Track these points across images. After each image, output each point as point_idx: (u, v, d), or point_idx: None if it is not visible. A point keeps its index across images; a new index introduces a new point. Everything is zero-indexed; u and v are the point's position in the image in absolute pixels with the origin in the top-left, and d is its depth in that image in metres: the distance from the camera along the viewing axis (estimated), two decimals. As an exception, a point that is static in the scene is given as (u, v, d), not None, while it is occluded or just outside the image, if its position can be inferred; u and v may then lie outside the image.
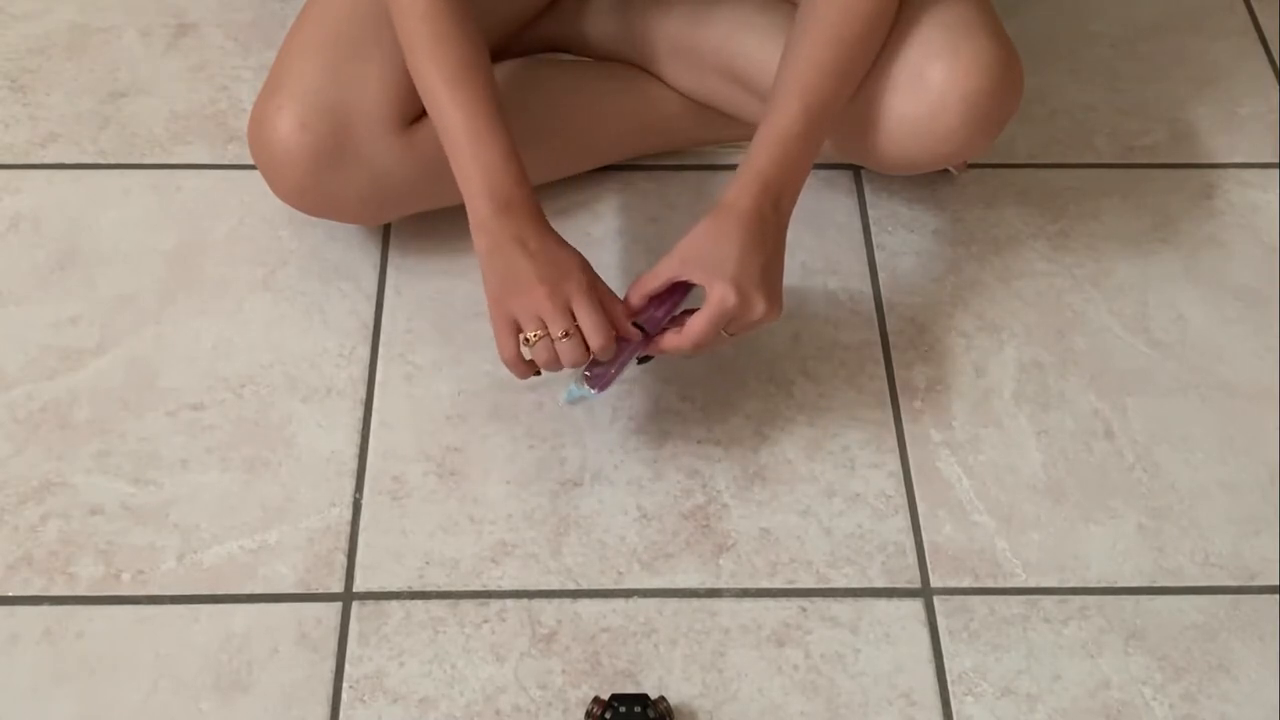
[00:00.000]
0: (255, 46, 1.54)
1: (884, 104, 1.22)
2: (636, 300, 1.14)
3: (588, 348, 1.11)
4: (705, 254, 1.12)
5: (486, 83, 1.15)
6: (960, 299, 1.36)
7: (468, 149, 1.14)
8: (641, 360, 1.17)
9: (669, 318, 1.15)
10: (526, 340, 1.11)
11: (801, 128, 1.14)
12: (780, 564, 1.18)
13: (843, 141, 1.28)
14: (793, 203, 1.16)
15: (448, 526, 1.19)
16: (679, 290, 1.15)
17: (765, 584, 1.16)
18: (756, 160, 1.14)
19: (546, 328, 1.10)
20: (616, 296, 1.14)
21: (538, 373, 1.14)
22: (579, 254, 1.13)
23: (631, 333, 1.13)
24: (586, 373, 1.13)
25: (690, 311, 1.15)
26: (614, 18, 1.40)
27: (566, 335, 1.09)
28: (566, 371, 1.14)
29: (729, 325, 1.12)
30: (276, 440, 1.24)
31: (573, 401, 1.16)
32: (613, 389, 1.16)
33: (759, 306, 1.12)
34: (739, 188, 1.14)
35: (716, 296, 1.11)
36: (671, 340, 1.14)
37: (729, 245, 1.11)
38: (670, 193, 1.43)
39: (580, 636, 1.13)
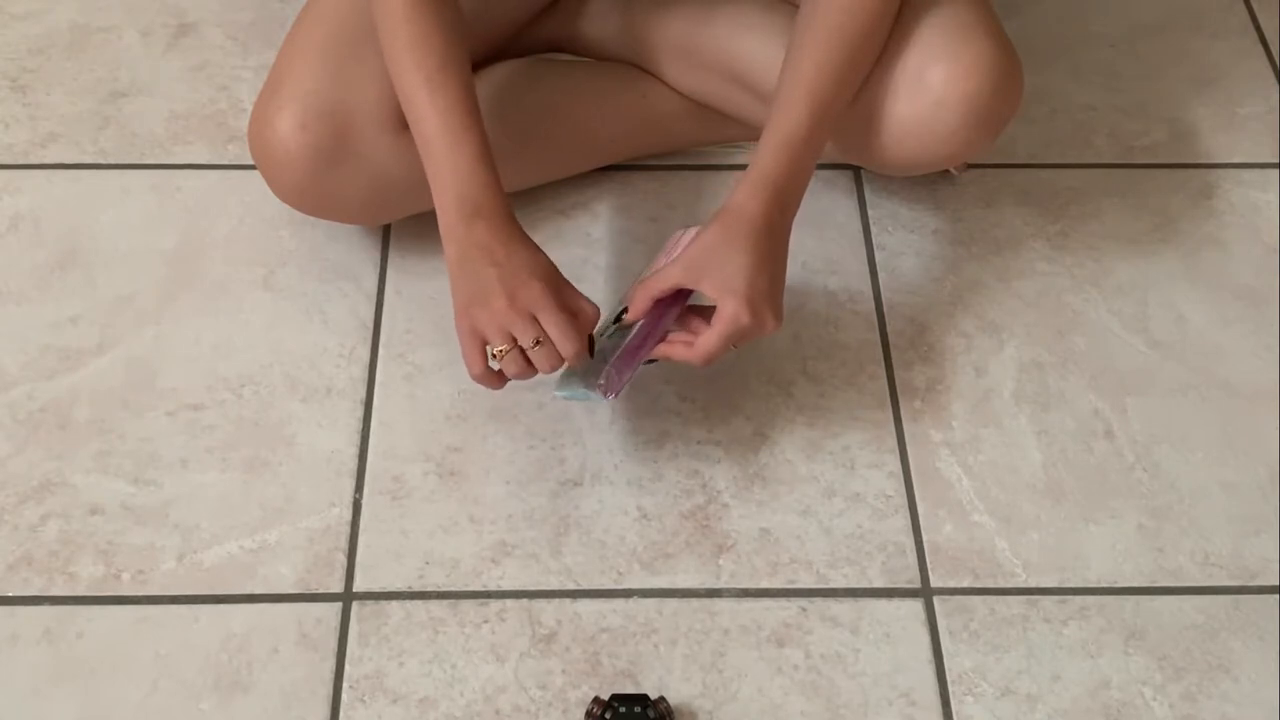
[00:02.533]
0: (255, 46, 1.54)
1: (885, 105, 1.22)
2: (642, 305, 1.14)
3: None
4: (715, 265, 1.11)
5: (464, 86, 1.15)
6: (960, 299, 1.36)
7: (441, 152, 1.14)
8: (648, 361, 1.17)
9: (671, 318, 1.15)
10: (493, 355, 1.10)
11: (808, 130, 1.14)
12: (780, 564, 1.18)
13: (844, 142, 1.28)
14: (797, 206, 1.16)
15: (448, 526, 1.19)
16: (684, 293, 1.15)
17: (765, 584, 1.16)
18: (765, 164, 1.14)
19: (513, 340, 1.09)
20: (583, 298, 1.12)
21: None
22: (546, 262, 1.13)
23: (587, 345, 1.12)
24: (600, 381, 1.13)
25: (696, 309, 1.15)
26: (614, 18, 1.40)
27: (538, 343, 1.09)
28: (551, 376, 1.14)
29: (737, 340, 1.12)
30: (276, 440, 1.24)
31: (567, 398, 1.16)
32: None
33: (770, 323, 1.12)
34: (747, 192, 1.13)
35: (729, 314, 1.10)
36: (681, 353, 1.14)
37: (740, 257, 1.11)
38: (670, 193, 1.43)
39: (580, 636, 1.13)
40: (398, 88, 1.17)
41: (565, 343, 1.09)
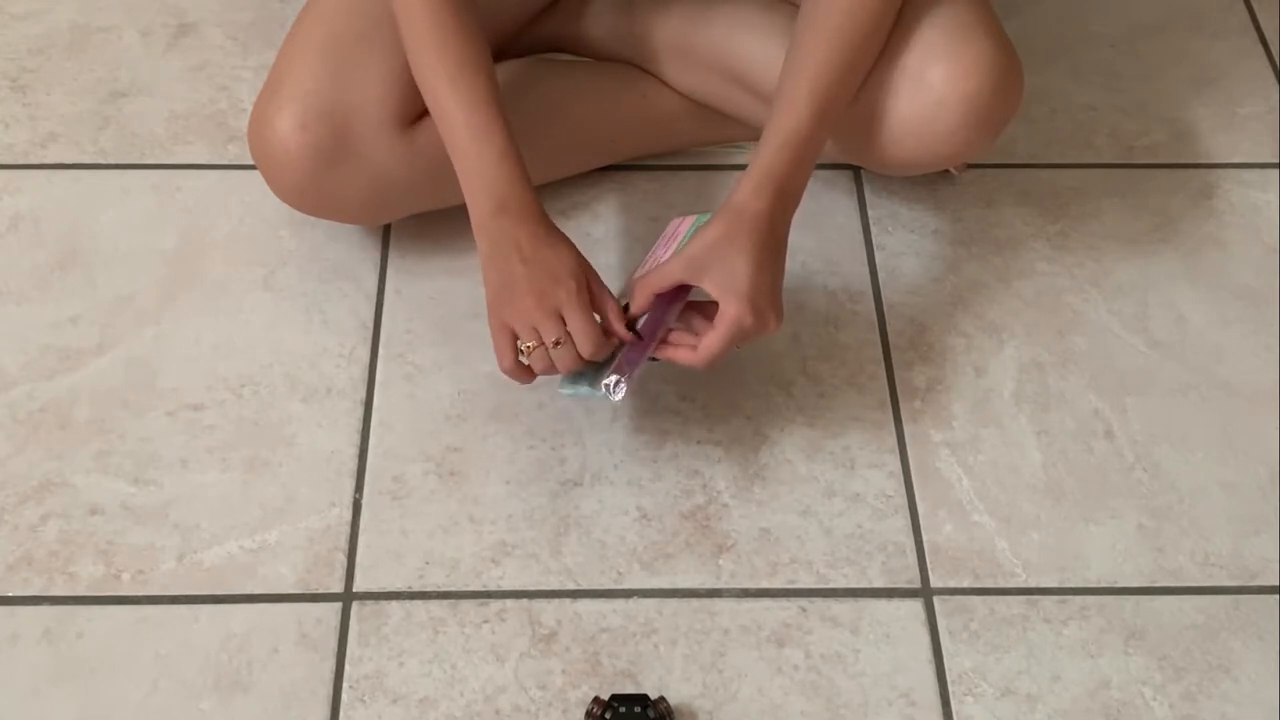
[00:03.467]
0: (255, 46, 1.54)
1: (885, 105, 1.22)
2: (643, 301, 1.14)
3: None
4: (718, 263, 1.11)
5: (488, 81, 1.16)
6: (960, 299, 1.36)
7: (468, 147, 1.14)
8: (650, 358, 1.17)
9: (674, 314, 1.15)
10: (522, 351, 1.11)
11: (811, 129, 1.15)
12: (780, 564, 1.18)
13: (845, 142, 1.28)
14: (798, 204, 1.16)
15: (448, 526, 1.19)
16: (685, 288, 1.15)
17: (765, 584, 1.16)
18: (768, 162, 1.14)
19: (540, 336, 1.10)
20: (611, 295, 1.14)
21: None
22: (575, 255, 1.13)
23: (625, 334, 1.13)
24: (606, 380, 1.12)
25: (696, 305, 1.15)
26: (614, 18, 1.40)
27: (558, 343, 1.10)
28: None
29: (740, 341, 1.12)
30: (276, 440, 1.24)
31: (572, 396, 1.16)
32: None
33: (771, 324, 1.13)
34: (751, 190, 1.13)
35: (732, 316, 1.11)
36: (685, 356, 1.14)
37: (742, 257, 1.11)
38: (670, 193, 1.43)
39: (580, 636, 1.13)
40: (419, 83, 1.17)
41: (585, 343, 1.10)
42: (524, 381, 1.15)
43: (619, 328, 1.13)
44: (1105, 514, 1.22)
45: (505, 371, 1.14)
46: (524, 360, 1.12)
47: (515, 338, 1.12)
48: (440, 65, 1.15)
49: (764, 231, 1.12)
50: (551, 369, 1.12)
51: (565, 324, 1.10)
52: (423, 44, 1.16)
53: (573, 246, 1.14)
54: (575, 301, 1.10)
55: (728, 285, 1.11)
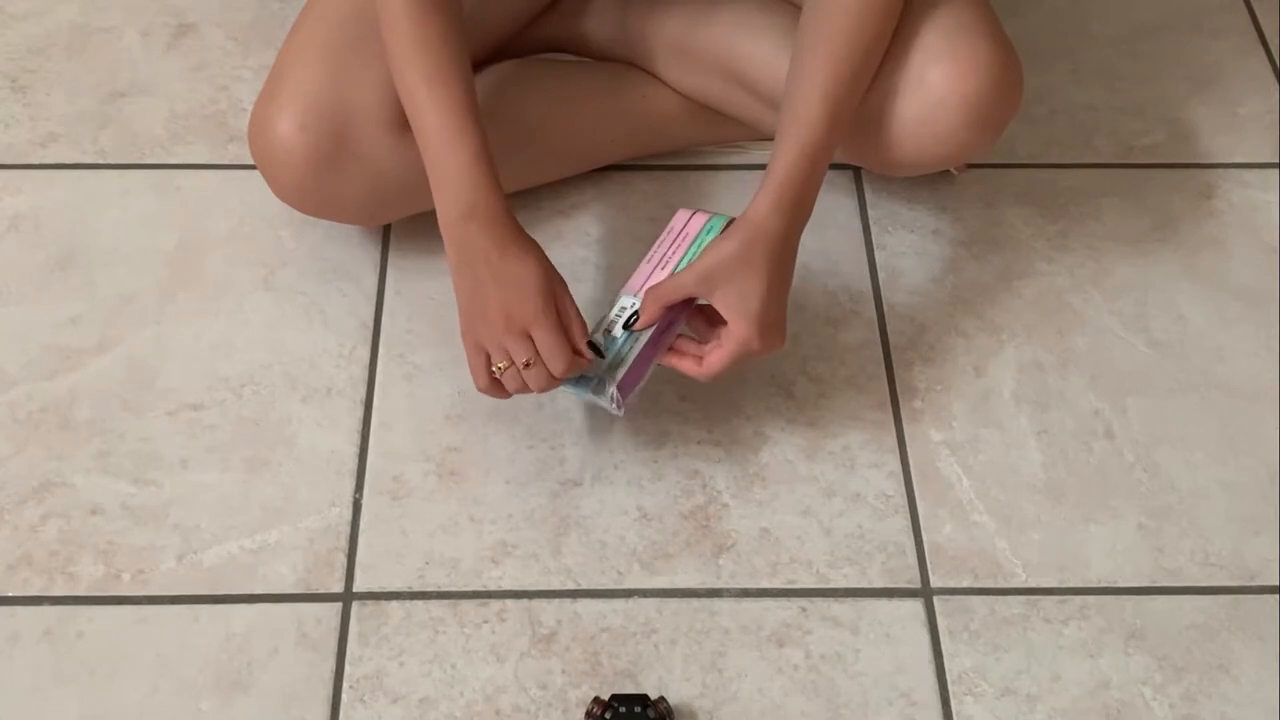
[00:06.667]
0: (255, 46, 1.54)
1: (886, 107, 1.22)
2: (653, 311, 1.14)
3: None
4: (730, 282, 1.11)
5: (465, 84, 1.15)
6: (960, 299, 1.36)
7: (440, 149, 1.14)
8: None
9: (681, 322, 1.15)
10: (495, 369, 1.11)
11: (825, 137, 1.14)
12: (780, 564, 1.18)
13: (846, 144, 1.27)
14: (809, 217, 1.16)
15: (448, 526, 1.19)
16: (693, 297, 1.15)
17: (765, 584, 1.16)
18: (787, 174, 1.13)
19: (511, 357, 1.10)
20: (577, 311, 1.13)
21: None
22: (542, 268, 1.12)
23: (586, 355, 1.11)
24: (610, 392, 1.12)
25: (703, 309, 1.15)
26: (614, 18, 1.40)
27: (529, 365, 1.09)
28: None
29: (743, 361, 1.13)
30: (276, 440, 1.24)
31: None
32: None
33: (776, 346, 1.13)
34: (771, 205, 1.13)
35: (740, 338, 1.11)
36: (689, 367, 1.14)
37: (757, 278, 1.10)
38: (670, 193, 1.43)
39: (580, 636, 1.13)
40: (398, 86, 1.17)
41: (556, 364, 1.09)
42: (502, 398, 1.15)
43: (581, 347, 1.11)
44: (1105, 514, 1.22)
45: (481, 390, 1.13)
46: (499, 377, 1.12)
47: (488, 357, 1.11)
48: (418, 66, 1.14)
49: (779, 250, 1.12)
50: (525, 389, 1.11)
51: (534, 343, 1.09)
52: (401, 43, 1.15)
53: (541, 257, 1.13)
54: (543, 320, 1.09)
55: (739, 306, 1.11)
